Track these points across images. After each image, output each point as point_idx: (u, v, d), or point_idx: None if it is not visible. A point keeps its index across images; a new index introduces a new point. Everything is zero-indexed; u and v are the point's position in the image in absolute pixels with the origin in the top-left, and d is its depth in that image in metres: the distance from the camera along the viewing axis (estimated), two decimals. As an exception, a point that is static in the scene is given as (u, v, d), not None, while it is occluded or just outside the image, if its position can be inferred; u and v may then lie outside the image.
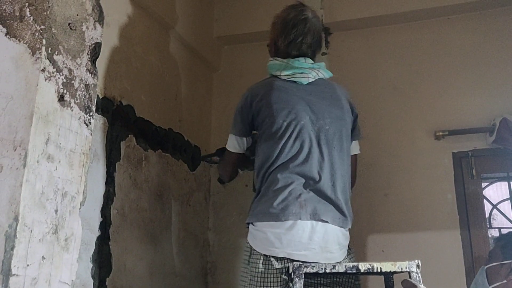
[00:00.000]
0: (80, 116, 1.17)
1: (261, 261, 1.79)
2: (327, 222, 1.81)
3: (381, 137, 2.69)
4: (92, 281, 1.87)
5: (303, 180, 1.85)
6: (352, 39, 2.90)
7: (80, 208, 1.18)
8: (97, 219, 1.94)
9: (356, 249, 2.50)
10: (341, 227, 1.85)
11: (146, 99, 2.33)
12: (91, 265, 1.88)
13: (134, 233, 2.16)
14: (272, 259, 1.79)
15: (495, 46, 2.62)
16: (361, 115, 2.73)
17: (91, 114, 1.22)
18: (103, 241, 1.96)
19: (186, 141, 2.70)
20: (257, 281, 1.79)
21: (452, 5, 2.65)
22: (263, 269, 1.78)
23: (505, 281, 1.58)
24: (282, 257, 1.79)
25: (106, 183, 2.02)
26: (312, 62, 2.03)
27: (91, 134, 1.22)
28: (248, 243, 1.89)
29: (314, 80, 1.98)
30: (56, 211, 1.10)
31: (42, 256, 1.05)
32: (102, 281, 1.93)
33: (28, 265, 1.02)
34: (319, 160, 1.88)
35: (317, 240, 1.79)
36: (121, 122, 2.13)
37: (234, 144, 2.08)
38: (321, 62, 2.08)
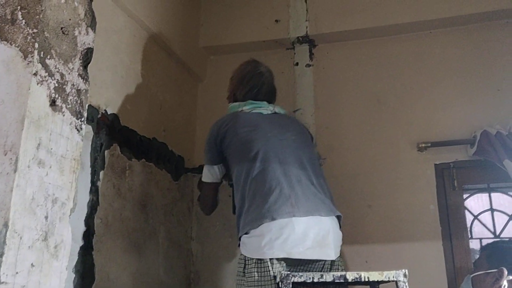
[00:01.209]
0: (72, 121, 1.16)
1: (257, 268, 1.79)
2: (320, 215, 1.87)
3: (364, 148, 2.72)
4: (74, 292, 1.83)
5: (287, 181, 1.91)
6: (337, 51, 2.93)
7: (70, 214, 1.16)
8: (80, 228, 1.91)
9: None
10: (335, 216, 1.95)
11: (131, 108, 2.31)
12: (74, 275, 1.84)
13: (117, 242, 2.13)
14: (268, 263, 1.78)
15: (476, 60, 2.69)
16: (345, 126, 2.79)
17: (82, 119, 1.20)
18: (86, 251, 1.93)
19: (170, 151, 2.68)
20: None
21: (434, 20, 2.71)
22: (260, 276, 1.78)
23: None
24: (282, 258, 1.79)
25: (90, 192, 1.99)
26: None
27: (82, 140, 1.20)
28: (242, 255, 1.89)
29: (272, 113, 2.20)
30: (46, 217, 1.07)
31: (32, 264, 1.03)
32: (85, 292, 1.89)
33: (17, 273, 0.99)
34: (296, 162, 1.99)
35: (314, 235, 1.83)
36: (105, 131, 2.11)
37: (207, 174, 2.22)
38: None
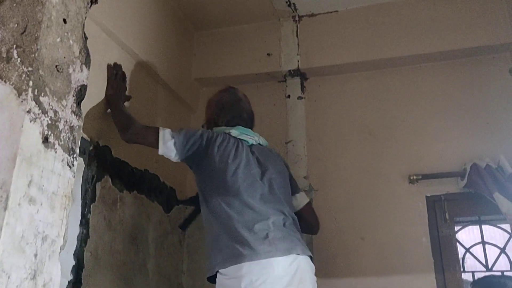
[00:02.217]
0: (64, 158, 1.16)
1: None
2: (297, 254, 1.88)
3: (357, 180, 2.73)
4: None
5: (266, 219, 1.93)
6: (328, 84, 2.97)
7: (60, 252, 1.14)
8: (70, 262, 1.88)
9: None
10: (308, 255, 1.96)
11: (122, 140, 2.31)
12: (62, 311, 1.80)
13: (107, 276, 2.10)
14: None
15: (465, 94, 2.73)
16: (337, 158, 2.80)
17: (74, 156, 1.20)
18: (75, 286, 1.90)
19: (162, 183, 2.67)
20: None
21: (424, 54, 2.77)
22: None
23: None
24: None
25: (80, 225, 1.97)
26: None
27: (74, 176, 1.20)
28: None
29: (256, 144, 2.21)
30: (35, 255, 1.06)
31: (19, 304, 1.01)
32: (73, 329, 1.85)
33: (4, 313, 0.97)
34: (274, 203, 2.02)
35: (292, 273, 1.83)
36: (97, 163, 2.10)
37: (166, 144, 2.04)
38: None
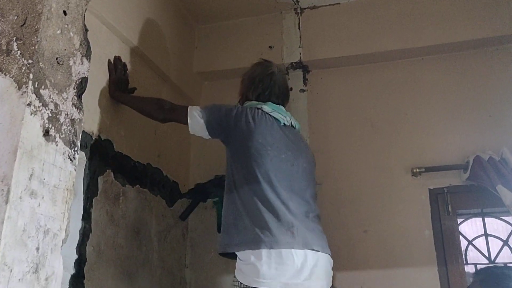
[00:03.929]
0: (65, 151, 1.15)
1: None
2: (317, 251, 1.86)
3: (359, 173, 2.72)
4: (64, 324, 1.79)
5: (291, 210, 1.89)
6: (330, 77, 2.96)
7: (62, 245, 1.14)
8: (72, 256, 1.88)
9: (336, 285, 2.50)
10: (328, 254, 1.94)
11: (125, 134, 2.31)
12: (65, 305, 1.81)
13: (110, 270, 2.10)
14: None
15: (467, 86, 2.71)
16: (339, 151, 2.80)
17: (75, 149, 1.20)
18: (77, 280, 1.90)
19: (165, 176, 2.67)
20: None
21: (426, 47, 2.75)
22: None
23: None
24: None
25: (82, 219, 1.97)
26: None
27: (75, 170, 1.20)
28: (236, 280, 1.84)
29: (288, 124, 2.12)
30: (37, 249, 1.06)
31: (22, 297, 1.01)
32: (77, 322, 1.85)
33: (7, 306, 0.97)
34: (302, 193, 1.98)
35: (310, 268, 1.81)
36: (99, 157, 2.10)
37: (197, 123, 2.03)
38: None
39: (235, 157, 2.01)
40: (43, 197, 1.07)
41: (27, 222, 1.02)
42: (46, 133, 1.08)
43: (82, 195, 1.98)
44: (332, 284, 1.96)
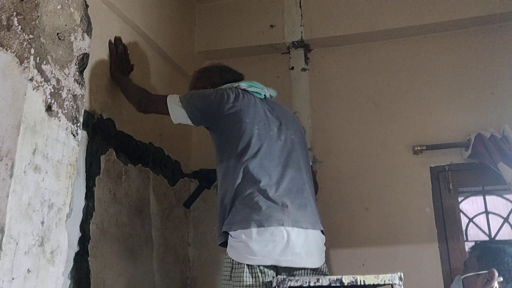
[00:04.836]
0: (68, 126, 1.16)
1: (245, 273, 1.77)
2: (308, 227, 1.86)
3: (361, 151, 2.73)
4: (71, 299, 1.81)
5: (283, 187, 1.89)
6: (332, 56, 2.95)
7: (66, 220, 1.15)
8: (76, 234, 1.90)
9: (337, 263, 2.53)
10: (319, 230, 1.94)
11: (126, 113, 2.31)
12: (69, 281, 1.82)
13: (113, 248, 2.12)
14: (257, 270, 1.77)
15: (470, 64, 2.70)
16: (341, 130, 2.80)
17: (78, 125, 1.20)
18: (81, 257, 1.91)
19: (167, 156, 2.68)
20: None
21: (428, 24, 2.73)
22: (249, 282, 1.76)
23: None
24: (270, 265, 1.78)
25: (85, 198, 1.98)
26: None
27: (78, 145, 1.20)
28: (228, 257, 1.85)
29: (268, 97, 2.12)
30: (42, 222, 1.07)
31: (28, 269, 1.02)
32: (81, 299, 1.88)
33: (13, 278, 0.98)
34: (293, 168, 1.96)
35: (301, 244, 1.82)
36: (101, 136, 2.10)
37: (177, 112, 2.01)
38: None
39: (223, 141, 1.99)
40: (47, 172, 1.08)
41: (31, 197, 1.03)
42: (49, 108, 1.09)
43: (85, 174, 1.99)
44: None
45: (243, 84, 2.06)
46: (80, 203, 1.94)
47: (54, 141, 1.11)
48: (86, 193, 1.98)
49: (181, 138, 2.89)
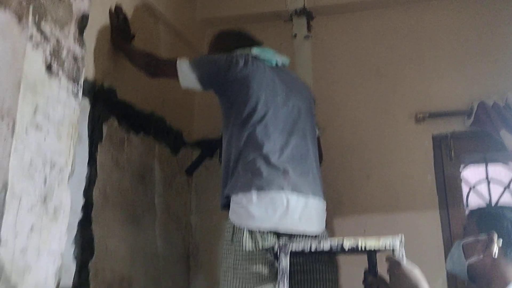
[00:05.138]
0: (68, 87, 1.15)
1: (246, 237, 1.79)
2: (308, 194, 1.87)
3: (363, 119, 2.72)
4: (74, 264, 1.84)
5: (286, 153, 1.90)
6: (335, 24, 2.91)
7: (68, 180, 1.16)
8: (79, 200, 1.91)
9: (338, 230, 2.56)
10: (320, 197, 1.95)
11: (128, 82, 2.30)
12: (73, 247, 1.85)
13: (116, 215, 2.14)
14: (257, 234, 1.79)
15: (473, 31, 2.67)
16: (343, 98, 2.79)
17: (79, 86, 1.20)
18: (85, 223, 1.93)
19: (169, 125, 2.67)
20: (243, 258, 1.78)
21: (432, -10, 2.69)
22: (248, 246, 1.78)
23: (482, 256, 1.58)
24: (269, 230, 1.80)
25: (88, 164, 1.98)
26: None
27: (79, 106, 1.20)
28: (230, 221, 1.87)
29: (279, 65, 2.10)
30: (44, 181, 1.08)
31: (31, 226, 1.04)
32: (85, 264, 1.90)
33: (17, 235, 1.00)
34: (299, 135, 1.97)
35: (300, 211, 1.84)
36: (102, 104, 2.09)
37: (187, 75, 1.99)
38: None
39: (230, 106, 1.99)
40: (48, 132, 1.08)
41: (33, 156, 1.04)
42: (49, 68, 1.08)
43: (87, 140, 1.99)
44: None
45: (254, 51, 2.05)
46: (83, 169, 1.95)
47: (55, 101, 1.11)
48: (88, 160, 1.98)
49: (183, 107, 2.89)
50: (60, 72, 1.14)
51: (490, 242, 1.58)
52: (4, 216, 0.97)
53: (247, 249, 1.77)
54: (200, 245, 2.79)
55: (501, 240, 1.57)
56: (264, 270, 1.77)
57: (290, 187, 1.84)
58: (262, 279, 1.77)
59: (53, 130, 1.11)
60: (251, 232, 1.80)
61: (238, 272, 1.79)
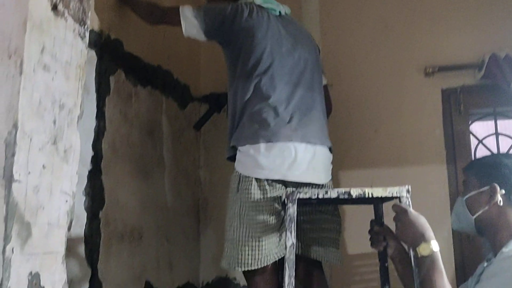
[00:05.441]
0: (75, 28, 1.14)
1: (253, 186, 1.80)
2: (315, 144, 1.87)
3: (372, 73, 2.70)
4: (86, 214, 1.87)
5: (293, 103, 1.89)
6: (343, -25, 2.85)
7: (78, 121, 1.17)
8: (88, 152, 1.93)
9: (345, 183, 2.57)
10: (327, 146, 1.95)
11: (134, 33, 2.27)
12: (84, 198, 1.88)
13: (125, 167, 2.16)
14: (265, 183, 1.80)
15: (486, -18, 2.61)
16: (352, 52, 2.76)
17: (85, 27, 1.19)
18: (95, 175, 1.95)
19: (176, 79, 2.66)
20: (249, 207, 1.79)
21: None
22: (256, 195, 1.79)
23: (486, 207, 1.57)
24: (277, 180, 1.81)
25: (96, 117, 1.99)
26: None
27: (86, 48, 1.19)
28: (236, 171, 1.88)
29: (283, 14, 2.05)
30: (54, 122, 1.08)
31: (43, 165, 1.05)
32: (95, 214, 1.93)
33: (29, 173, 1.01)
34: (305, 85, 1.95)
35: (309, 160, 1.84)
36: (109, 56, 2.08)
37: (191, 23, 1.94)
38: None
39: (235, 56, 1.96)
40: (56, 72, 1.08)
41: (42, 96, 1.04)
42: (55, 7, 1.07)
43: (95, 93, 1.99)
44: None
45: (258, 0, 2.01)
46: (91, 122, 1.95)
47: (62, 41, 1.10)
48: (96, 113, 1.99)
49: (189, 62, 2.86)
50: (66, 13, 1.13)
51: (493, 192, 1.57)
52: (16, 154, 0.98)
53: (255, 198, 1.79)
54: (209, 198, 2.83)
55: (503, 190, 1.56)
56: (270, 219, 1.79)
57: (298, 137, 1.83)
58: (268, 228, 1.79)
59: (60, 70, 1.11)
60: (259, 181, 1.80)
61: (244, 220, 1.80)
